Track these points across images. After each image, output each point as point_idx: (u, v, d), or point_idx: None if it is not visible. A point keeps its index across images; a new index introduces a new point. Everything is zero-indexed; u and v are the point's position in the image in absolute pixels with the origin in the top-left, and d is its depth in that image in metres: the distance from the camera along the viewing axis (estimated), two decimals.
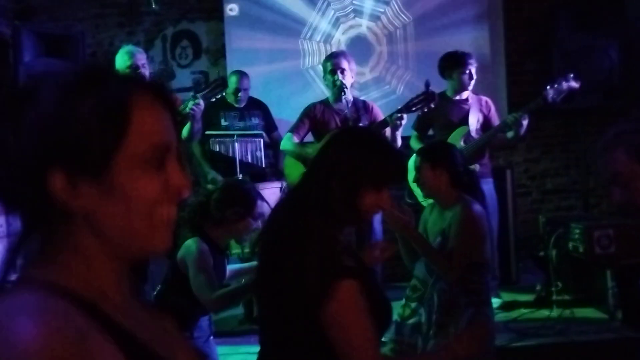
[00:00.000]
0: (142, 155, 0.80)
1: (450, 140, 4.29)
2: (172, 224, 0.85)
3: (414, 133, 4.53)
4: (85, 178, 0.78)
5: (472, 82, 4.33)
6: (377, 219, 4.09)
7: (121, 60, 4.11)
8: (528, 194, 5.79)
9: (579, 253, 4.13)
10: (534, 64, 5.63)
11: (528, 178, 5.82)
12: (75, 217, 0.80)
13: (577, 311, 4.02)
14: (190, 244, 2.48)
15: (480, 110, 4.38)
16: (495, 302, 4.30)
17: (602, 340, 3.62)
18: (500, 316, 4.06)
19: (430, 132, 4.58)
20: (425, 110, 4.10)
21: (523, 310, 4.13)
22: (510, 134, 4.21)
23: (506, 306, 4.27)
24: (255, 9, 5.55)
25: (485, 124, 4.37)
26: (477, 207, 2.75)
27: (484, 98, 4.50)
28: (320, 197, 1.65)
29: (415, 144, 4.44)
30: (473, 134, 4.30)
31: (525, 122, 4.09)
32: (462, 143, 4.26)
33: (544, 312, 4.09)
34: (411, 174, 4.44)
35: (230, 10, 5.55)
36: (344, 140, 1.76)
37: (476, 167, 4.24)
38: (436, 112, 4.34)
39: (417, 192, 4.43)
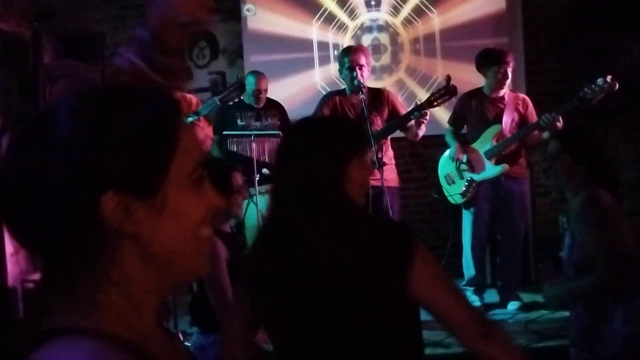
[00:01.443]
0: (189, 174, 0.78)
1: (482, 138, 4.27)
2: (209, 245, 0.84)
3: (449, 128, 4.51)
4: (137, 199, 0.75)
5: (507, 82, 4.27)
6: (393, 197, 4.09)
7: None
8: (547, 194, 5.72)
9: None
10: (554, 63, 5.56)
11: (548, 178, 5.75)
12: (122, 244, 0.76)
13: None
14: None
15: (517, 109, 4.30)
16: (514, 304, 4.27)
17: None
18: (520, 317, 4.08)
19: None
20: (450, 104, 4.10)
21: (543, 311, 4.07)
22: (546, 134, 4.15)
23: (526, 307, 4.23)
24: (273, 9, 5.55)
25: (522, 123, 4.27)
26: (599, 199, 2.40)
27: (521, 96, 4.45)
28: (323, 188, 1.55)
29: (450, 140, 4.43)
30: (507, 133, 4.24)
31: (559, 125, 3.99)
32: (494, 142, 4.23)
33: (564, 313, 4.02)
34: (443, 169, 4.44)
35: (248, 11, 5.56)
36: (299, 136, 1.65)
37: (505, 167, 4.21)
38: (471, 108, 4.33)
39: (446, 187, 4.43)
